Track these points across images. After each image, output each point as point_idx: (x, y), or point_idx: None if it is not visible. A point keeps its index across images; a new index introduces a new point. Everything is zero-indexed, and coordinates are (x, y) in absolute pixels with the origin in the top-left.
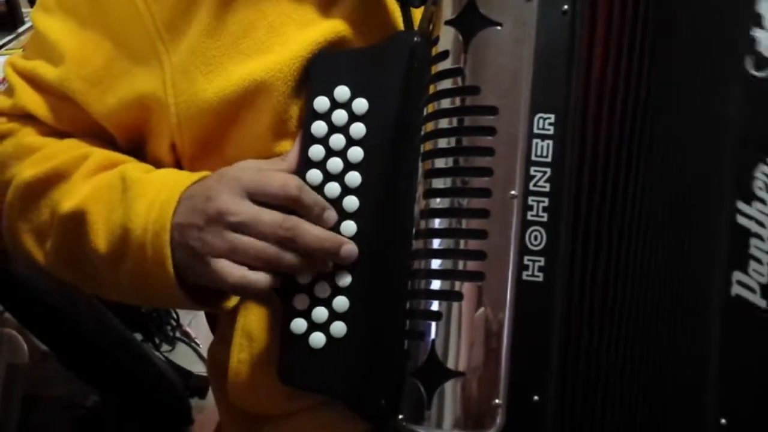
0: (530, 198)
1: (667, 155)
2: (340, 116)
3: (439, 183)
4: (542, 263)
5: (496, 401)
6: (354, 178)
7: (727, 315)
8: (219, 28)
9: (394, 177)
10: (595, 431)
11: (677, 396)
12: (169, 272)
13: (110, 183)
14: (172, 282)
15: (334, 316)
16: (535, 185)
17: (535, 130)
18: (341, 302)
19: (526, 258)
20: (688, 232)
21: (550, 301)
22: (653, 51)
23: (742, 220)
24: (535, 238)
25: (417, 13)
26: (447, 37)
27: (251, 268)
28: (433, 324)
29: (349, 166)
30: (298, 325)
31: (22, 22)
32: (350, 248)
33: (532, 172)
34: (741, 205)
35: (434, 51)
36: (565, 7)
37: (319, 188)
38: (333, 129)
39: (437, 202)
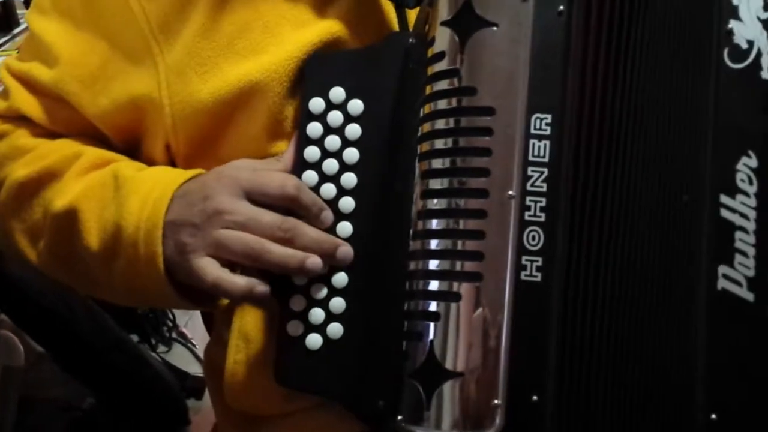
0: (528, 198)
1: (657, 152)
2: (335, 117)
3: (436, 184)
4: (540, 263)
5: (495, 401)
6: (350, 179)
7: (713, 309)
8: (214, 28)
9: (390, 178)
10: (592, 430)
11: (668, 393)
12: (159, 269)
13: (102, 181)
14: (162, 279)
15: (330, 317)
16: (532, 185)
17: (532, 131)
18: (338, 303)
19: (524, 258)
20: (675, 228)
21: (548, 301)
22: (642, 49)
23: (726, 213)
24: (533, 238)
25: (412, 14)
26: (443, 38)
27: (241, 266)
28: (432, 325)
29: (344, 167)
30: (295, 326)
31: (17, 24)
32: (346, 250)
33: (529, 173)
34: (724, 199)
35: (430, 52)
36: (561, 7)
37: (314, 189)
38: (328, 130)
39: (434, 203)
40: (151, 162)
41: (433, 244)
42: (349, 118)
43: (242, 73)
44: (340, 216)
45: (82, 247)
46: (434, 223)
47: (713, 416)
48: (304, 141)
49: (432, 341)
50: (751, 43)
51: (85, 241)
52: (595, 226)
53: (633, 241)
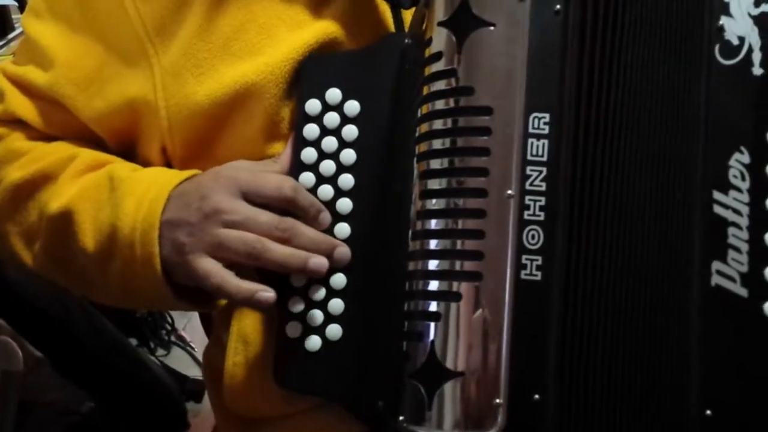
0: (527, 197)
1: (652, 149)
2: (331, 119)
3: (434, 184)
4: (540, 262)
5: (497, 401)
6: (347, 180)
7: (708, 305)
8: (209, 29)
9: (387, 179)
10: (593, 428)
11: (663, 389)
12: (156, 270)
13: (98, 182)
14: (159, 280)
15: (329, 318)
16: (531, 184)
17: (531, 130)
18: (336, 305)
19: (524, 257)
20: (670, 225)
21: (547, 300)
22: (636, 46)
23: (718, 209)
24: (533, 237)
25: (408, 15)
26: (440, 38)
27: (239, 265)
28: (432, 325)
29: (341, 168)
30: (294, 328)
31: (13, 28)
32: (343, 251)
33: (528, 172)
34: (717, 195)
35: (427, 52)
36: (558, 6)
37: (312, 191)
38: (325, 132)
39: (433, 203)
40: (147, 164)
41: (433, 244)
42: (345, 120)
43: (238, 74)
44: (337, 217)
45: (77, 249)
46: (433, 223)
47: (708, 412)
48: (301, 142)
49: (433, 341)
50: (742, 39)
51: (80, 242)
52: (593, 224)
53: (630, 238)
